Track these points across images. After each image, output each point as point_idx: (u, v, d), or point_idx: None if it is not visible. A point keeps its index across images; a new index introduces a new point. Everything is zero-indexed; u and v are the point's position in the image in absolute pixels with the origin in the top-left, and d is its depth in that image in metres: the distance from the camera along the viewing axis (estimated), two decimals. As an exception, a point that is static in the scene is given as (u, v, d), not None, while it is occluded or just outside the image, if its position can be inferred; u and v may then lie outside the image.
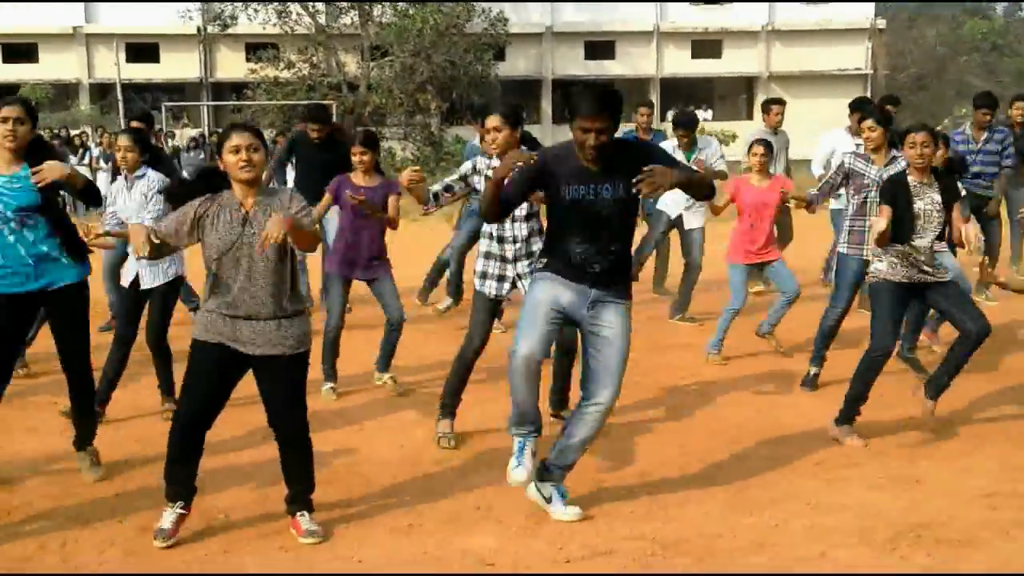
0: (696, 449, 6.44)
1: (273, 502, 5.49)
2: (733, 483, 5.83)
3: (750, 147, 8.84)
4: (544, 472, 5.45)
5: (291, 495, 5.29)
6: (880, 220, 6.44)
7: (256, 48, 36.72)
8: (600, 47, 43.15)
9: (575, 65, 42.76)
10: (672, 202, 10.10)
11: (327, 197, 7.77)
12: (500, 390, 7.87)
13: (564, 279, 5.25)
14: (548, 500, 5.41)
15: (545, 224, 5.53)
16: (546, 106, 42.59)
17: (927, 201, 6.56)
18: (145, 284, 7.01)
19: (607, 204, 5.16)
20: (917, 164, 6.57)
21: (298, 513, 5.23)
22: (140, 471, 6.14)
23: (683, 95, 42.25)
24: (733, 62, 43.02)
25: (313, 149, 10.20)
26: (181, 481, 5.14)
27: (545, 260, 5.36)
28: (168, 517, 5.10)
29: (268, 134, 27.68)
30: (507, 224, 6.47)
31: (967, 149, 10.64)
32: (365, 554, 5.01)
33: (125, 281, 7.15)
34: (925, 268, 6.56)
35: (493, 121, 6.38)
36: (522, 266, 6.52)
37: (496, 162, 6.31)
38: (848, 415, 6.64)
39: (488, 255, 6.58)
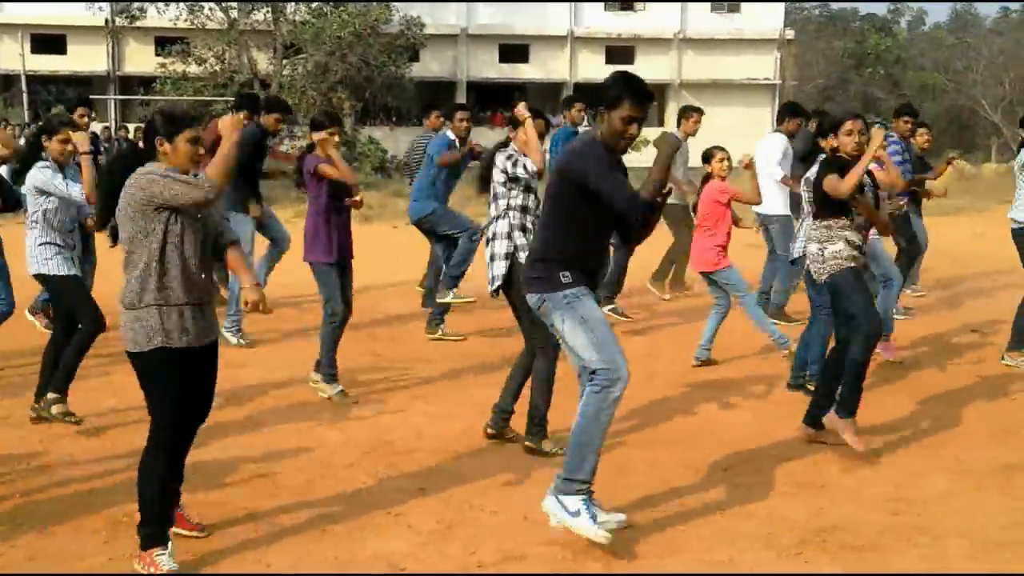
0: (606, 455, 6.41)
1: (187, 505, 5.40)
2: (642, 489, 5.88)
3: (712, 155, 8.86)
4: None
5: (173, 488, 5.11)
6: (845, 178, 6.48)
7: (166, 42, 36.15)
8: (514, 50, 43.29)
9: (489, 68, 42.87)
10: None
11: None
12: (417, 396, 7.89)
13: (588, 288, 5.13)
14: (577, 514, 5.04)
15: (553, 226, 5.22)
16: (460, 108, 42.51)
17: (866, 181, 6.73)
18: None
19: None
20: (853, 153, 6.61)
21: (182, 509, 5.15)
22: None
23: (597, 88, 42.41)
24: (646, 69, 43.32)
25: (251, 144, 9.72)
26: (168, 514, 4.89)
27: (566, 270, 5.09)
28: (168, 561, 4.73)
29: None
30: (528, 216, 6.66)
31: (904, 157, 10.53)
32: (273, 559, 4.96)
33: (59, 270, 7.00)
34: (863, 250, 6.69)
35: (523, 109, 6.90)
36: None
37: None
38: (852, 407, 6.54)
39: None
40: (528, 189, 6.72)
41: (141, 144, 4.88)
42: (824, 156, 7.02)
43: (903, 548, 5.18)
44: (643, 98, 5.01)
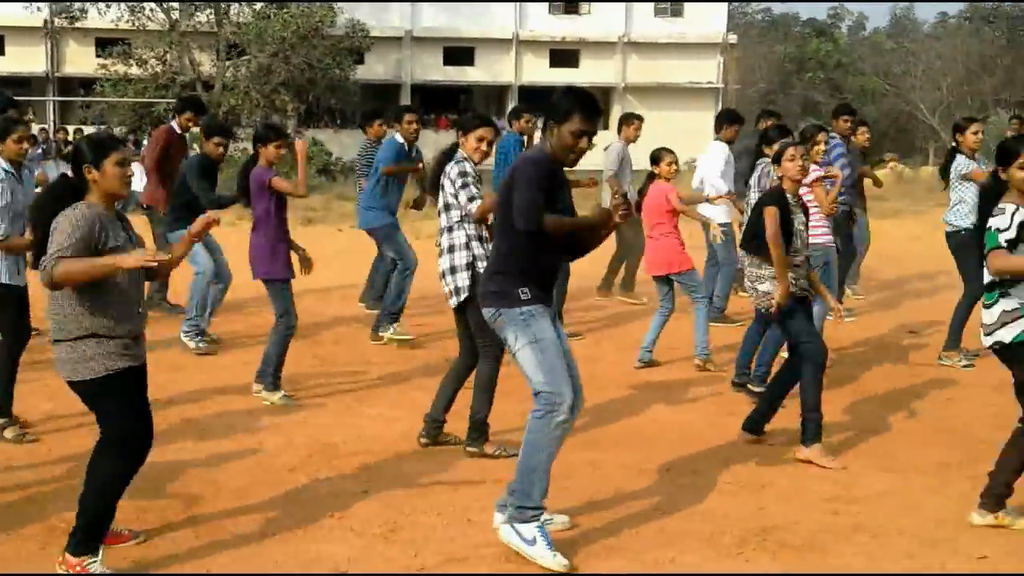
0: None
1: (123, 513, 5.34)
2: (585, 491, 5.90)
3: (661, 157, 8.88)
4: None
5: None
6: (772, 225, 6.58)
7: (107, 43, 35.74)
8: (459, 53, 43.27)
9: (434, 70, 42.82)
10: None
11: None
12: (360, 399, 7.87)
13: (546, 304, 5.13)
14: (532, 543, 4.98)
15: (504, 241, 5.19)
16: (405, 111, 42.45)
17: (797, 222, 6.75)
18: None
19: (569, 200, 5.25)
20: (797, 177, 6.72)
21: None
22: None
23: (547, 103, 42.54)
24: (590, 72, 43.59)
25: (200, 168, 9.36)
26: (107, 526, 4.83)
27: (525, 286, 5.07)
28: (99, 567, 4.70)
29: (118, 132, 27.00)
30: (483, 225, 6.53)
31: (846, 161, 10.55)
32: (213, 564, 4.92)
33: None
34: (802, 287, 6.71)
35: (489, 133, 6.59)
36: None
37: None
38: (817, 430, 6.53)
39: (487, 258, 6.29)
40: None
41: (71, 172, 4.80)
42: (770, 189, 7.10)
43: (842, 546, 5.24)
44: (593, 112, 5.05)
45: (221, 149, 9.28)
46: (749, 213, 7.26)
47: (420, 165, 9.75)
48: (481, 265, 6.31)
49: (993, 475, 5.50)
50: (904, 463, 6.53)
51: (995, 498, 5.47)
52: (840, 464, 6.43)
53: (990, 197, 5.36)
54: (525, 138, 11.20)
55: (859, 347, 9.77)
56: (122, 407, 4.74)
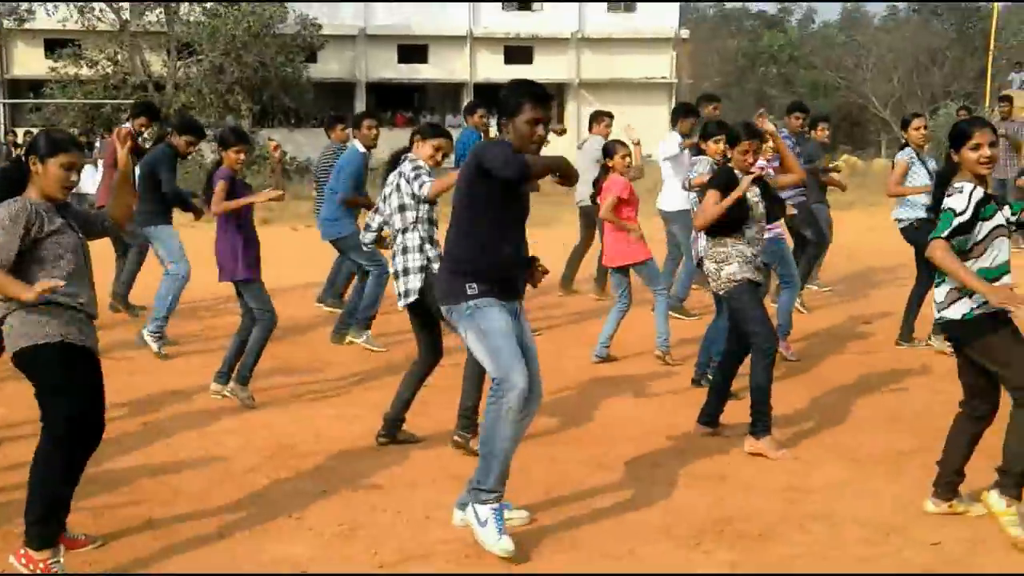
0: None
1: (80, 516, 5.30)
2: (543, 485, 5.92)
3: (615, 150, 8.89)
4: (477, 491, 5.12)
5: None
6: (709, 206, 6.61)
7: (56, 45, 35.35)
8: (414, 51, 43.18)
9: (388, 68, 42.70)
10: None
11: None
12: (318, 399, 7.85)
13: (503, 299, 5.11)
14: (484, 524, 5.00)
15: (455, 230, 5.18)
16: (360, 109, 42.31)
17: (750, 193, 6.73)
18: None
19: (526, 198, 5.26)
20: (745, 169, 6.73)
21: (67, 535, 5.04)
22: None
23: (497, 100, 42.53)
24: (545, 68, 43.61)
25: (167, 161, 9.39)
26: (62, 518, 4.79)
27: (474, 281, 5.06)
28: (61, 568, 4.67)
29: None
30: (434, 228, 6.59)
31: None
32: (172, 566, 4.90)
33: None
34: (758, 264, 6.76)
35: (442, 144, 6.72)
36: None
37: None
38: (765, 423, 6.57)
39: (440, 258, 6.22)
40: (432, 202, 6.64)
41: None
42: (713, 166, 7.16)
43: (799, 535, 5.29)
44: (543, 98, 5.08)
45: (191, 148, 9.45)
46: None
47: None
48: (435, 267, 6.34)
49: (942, 463, 5.58)
50: (859, 452, 6.60)
51: (947, 486, 5.54)
52: (791, 455, 6.47)
53: (943, 181, 5.39)
54: (481, 134, 11.21)
55: (813, 338, 9.86)
56: (66, 382, 4.71)
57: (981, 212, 5.18)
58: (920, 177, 9.14)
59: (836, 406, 7.66)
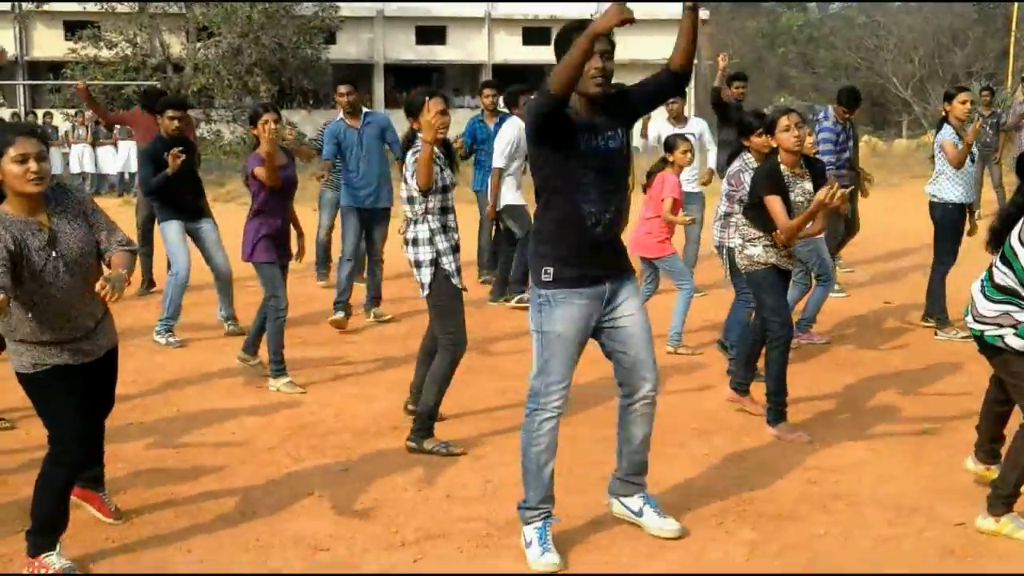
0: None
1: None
2: (563, 465, 5.88)
3: (676, 145, 8.53)
4: (621, 485, 5.10)
5: (95, 475, 5.12)
6: (781, 215, 6.34)
7: (75, 26, 35.41)
8: (431, 32, 43.11)
9: (407, 50, 42.66)
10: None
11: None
12: (339, 378, 7.86)
13: (579, 286, 4.70)
14: (639, 514, 5.02)
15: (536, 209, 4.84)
16: (379, 90, 42.32)
17: (798, 192, 6.53)
18: None
19: (615, 157, 4.73)
20: (794, 148, 6.46)
21: (102, 493, 5.14)
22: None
23: (517, 81, 42.44)
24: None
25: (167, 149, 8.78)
26: (62, 523, 4.68)
27: (550, 263, 4.71)
28: (58, 560, 4.57)
29: (91, 115, 26.76)
30: (449, 216, 6.25)
31: (842, 139, 10.25)
32: (194, 543, 4.92)
33: None
34: (789, 252, 6.64)
35: (438, 104, 6.13)
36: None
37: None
38: (780, 411, 6.55)
39: (454, 250, 6.23)
40: (445, 189, 6.25)
41: None
42: (761, 161, 6.99)
43: (819, 515, 5.27)
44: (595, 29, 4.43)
45: (176, 123, 8.88)
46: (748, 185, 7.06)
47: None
48: (446, 260, 6.15)
49: (979, 429, 5.58)
50: (882, 433, 6.57)
51: (988, 452, 5.56)
52: (807, 438, 6.43)
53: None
54: (486, 113, 11.28)
55: (833, 318, 9.80)
56: (52, 407, 4.56)
57: None
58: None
59: (859, 388, 7.62)
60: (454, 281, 6.19)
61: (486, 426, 6.68)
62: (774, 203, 6.36)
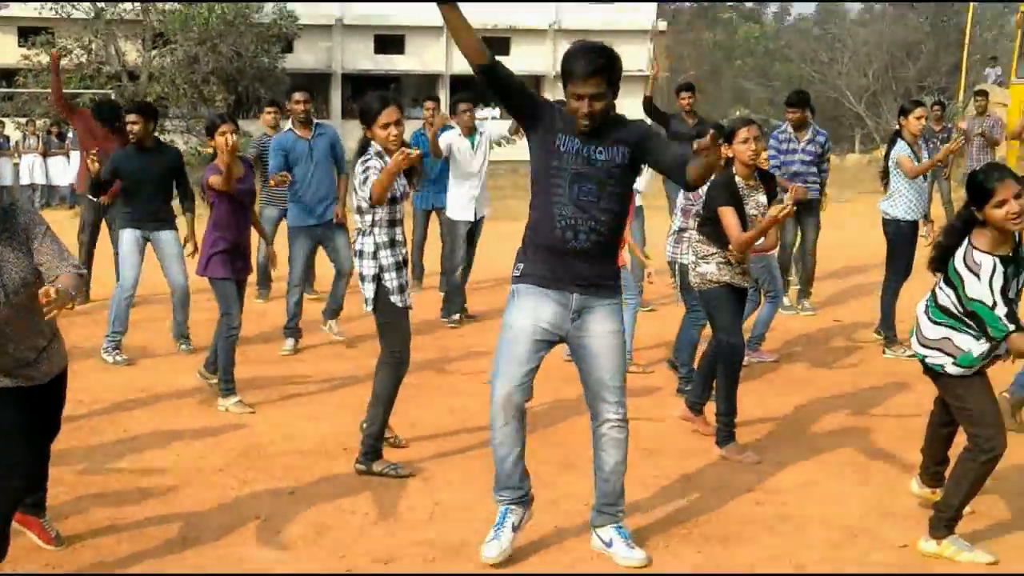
0: (479, 452, 6.45)
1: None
2: (514, 486, 5.90)
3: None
4: (596, 516, 5.10)
5: (37, 500, 5.02)
6: (734, 227, 6.33)
7: (29, 33, 35.02)
8: (390, 41, 43.03)
9: (365, 59, 42.52)
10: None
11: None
12: (288, 398, 7.81)
13: (543, 286, 4.80)
14: (609, 544, 5.01)
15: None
16: (336, 100, 42.17)
17: (752, 205, 6.53)
18: None
19: (601, 168, 4.74)
20: (750, 161, 6.46)
21: (43, 519, 5.06)
22: None
23: (473, 91, 42.50)
24: (522, 60, 43.45)
25: (139, 158, 8.74)
26: (2, 551, 4.58)
27: (522, 259, 4.88)
28: None
29: (42, 124, 26.51)
30: (396, 228, 6.08)
31: (788, 148, 10.49)
32: (137, 569, 4.87)
33: None
34: (744, 269, 6.61)
35: (392, 114, 5.99)
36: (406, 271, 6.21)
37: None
38: (729, 431, 6.56)
39: (399, 266, 6.06)
40: (394, 201, 6.05)
41: None
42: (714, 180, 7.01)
43: (766, 537, 5.31)
44: (588, 72, 4.61)
45: (135, 127, 8.68)
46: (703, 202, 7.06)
47: None
48: (388, 276, 6.01)
49: (924, 452, 5.61)
50: (828, 453, 6.62)
51: (932, 475, 5.58)
52: (756, 458, 6.46)
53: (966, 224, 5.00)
54: (427, 127, 11.37)
55: (782, 336, 9.86)
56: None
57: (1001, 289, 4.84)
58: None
59: (807, 407, 7.67)
60: (393, 299, 6.04)
61: (436, 447, 6.67)
62: (727, 215, 6.36)
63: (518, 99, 4.84)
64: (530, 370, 4.88)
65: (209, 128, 7.43)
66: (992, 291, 4.80)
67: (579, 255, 4.77)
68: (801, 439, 6.93)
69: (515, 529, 5.02)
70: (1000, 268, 4.82)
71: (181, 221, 8.90)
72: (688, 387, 7.74)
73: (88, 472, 6.14)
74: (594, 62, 4.61)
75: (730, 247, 6.43)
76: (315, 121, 9.55)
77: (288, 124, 9.68)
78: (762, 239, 6.41)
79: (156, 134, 9.04)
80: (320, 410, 7.44)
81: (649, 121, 11.42)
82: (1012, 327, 4.80)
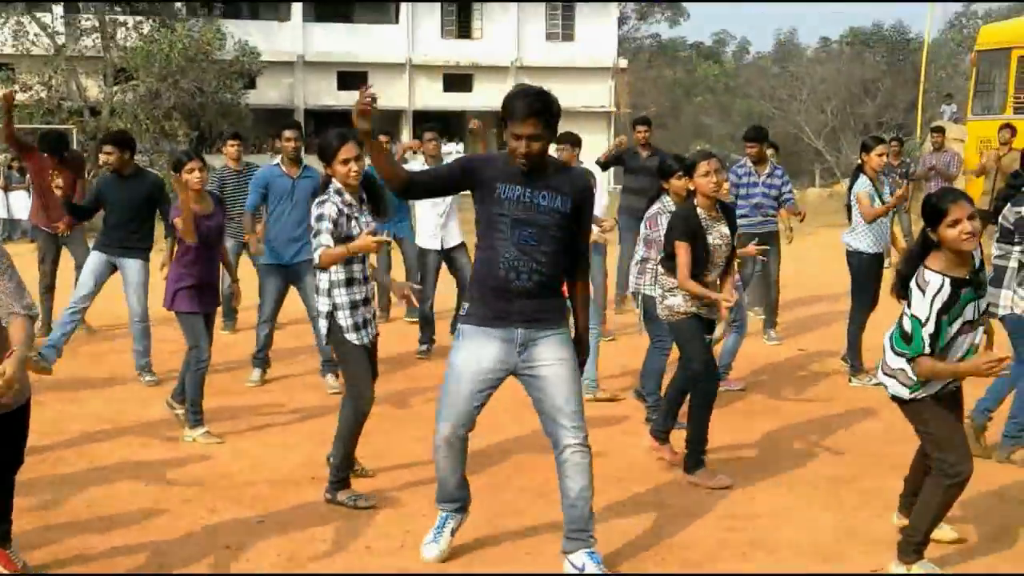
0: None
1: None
2: (485, 512, 5.87)
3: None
4: (567, 543, 5.07)
5: (2, 531, 4.94)
6: (684, 266, 6.42)
7: (-11, 68, 34.83)
8: (353, 77, 43.10)
9: (328, 95, 42.60)
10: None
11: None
12: (256, 427, 7.76)
13: (488, 326, 4.93)
14: (581, 569, 4.98)
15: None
16: (297, 136, 42.15)
17: (716, 235, 6.57)
18: None
19: (544, 213, 4.86)
20: (711, 193, 6.50)
21: (8, 549, 4.97)
22: None
23: (438, 123, 42.59)
24: (484, 96, 43.70)
25: (119, 186, 8.97)
26: None
27: (468, 300, 5.03)
28: None
29: (3, 159, 26.32)
30: (355, 266, 6.02)
31: (749, 181, 10.60)
32: (108, 600, 4.82)
33: None
34: (709, 304, 6.64)
35: (351, 150, 6.03)
36: (371, 306, 6.17)
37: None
38: (699, 459, 6.57)
39: (355, 304, 6.01)
40: (350, 239, 5.92)
41: None
42: (680, 203, 7.07)
43: (739, 562, 5.32)
44: (526, 114, 4.79)
45: (110, 157, 8.89)
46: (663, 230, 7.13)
47: None
48: (341, 314, 5.98)
49: (907, 481, 5.62)
50: (798, 479, 6.65)
51: (910, 505, 5.56)
52: (727, 481, 6.48)
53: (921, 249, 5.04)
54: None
55: (749, 364, 9.91)
56: None
57: (945, 318, 4.87)
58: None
59: (775, 435, 7.71)
60: (348, 336, 6.00)
61: (407, 476, 6.63)
62: (681, 250, 6.45)
63: (446, 187, 5.18)
64: (474, 408, 5.04)
65: (176, 165, 7.29)
66: (931, 309, 4.83)
67: (522, 293, 4.89)
68: (770, 466, 6.95)
69: (452, 533, 5.33)
70: (948, 288, 4.84)
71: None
72: (655, 415, 7.76)
73: (55, 503, 6.06)
74: (532, 105, 4.80)
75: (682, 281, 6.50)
76: (304, 162, 9.17)
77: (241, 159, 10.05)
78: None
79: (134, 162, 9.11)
80: (289, 440, 7.40)
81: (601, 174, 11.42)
82: (927, 351, 4.87)
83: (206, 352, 7.39)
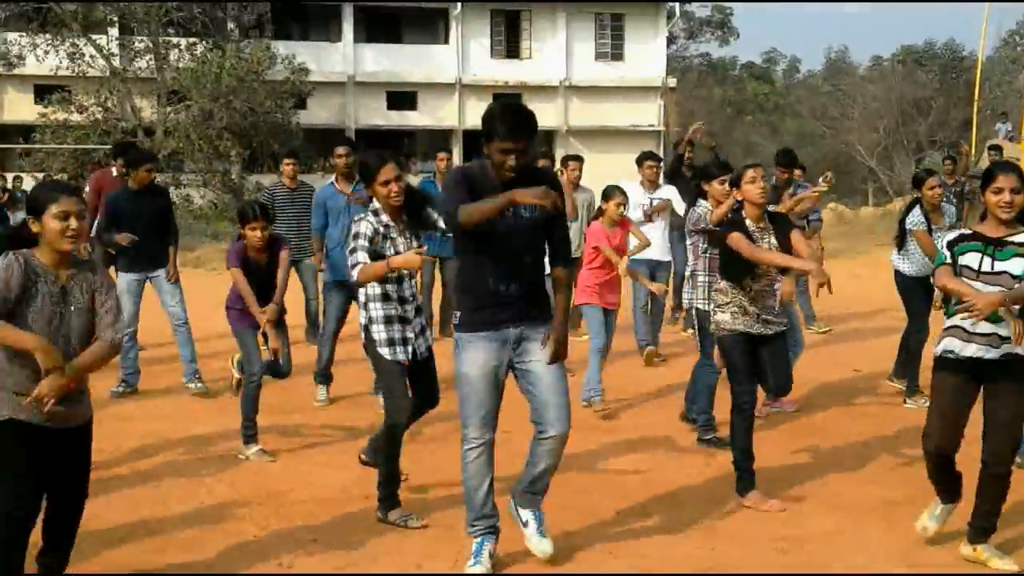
0: (499, 500, 6.39)
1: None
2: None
3: (611, 196, 8.86)
4: (520, 494, 5.45)
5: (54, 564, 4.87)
6: (743, 243, 6.41)
7: (46, 91, 35.38)
8: (402, 97, 43.37)
9: (377, 115, 42.85)
10: None
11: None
12: (309, 446, 7.79)
13: (483, 331, 5.21)
14: (525, 524, 5.42)
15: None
16: (349, 155, 42.43)
17: (765, 246, 6.53)
18: None
19: (525, 221, 5.17)
20: (759, 200, 6.53)
21: None
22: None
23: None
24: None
25: (134, 200, 9.16)
26: None
27: (459, 307, 5.30)
28: None
29: (59, 178, 26.72)
30: (404, 283, 6.14)
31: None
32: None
33: None
34: (764, 318, 6.58)
35: (390, 171, 6.03)
36: (418, 323, 6.23)
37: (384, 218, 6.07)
38: (748, 480, 6.53)
39: (389, 319, 6.09)
40: (381, 258, 5.99)
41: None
42: (717, 207, 7.12)
43: (791, 586, 5.27)
44: (515, 131, 5.06)
45: (149, 174, 9.24)
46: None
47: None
48: (375, 328, 6.06)
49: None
50: (851, 502, 6.58)
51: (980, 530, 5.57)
52: (780, 506, 6.43)
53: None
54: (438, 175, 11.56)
55: (803, 386, 9.82)
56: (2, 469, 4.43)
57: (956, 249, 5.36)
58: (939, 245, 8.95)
59: (826, 454, 7.64)
60: (381, 350, 6.07)
61: (460, 494, 6.61)
62: (735, 238, 6.45)
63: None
64: (492, 407, 5.30)
65: (241, 217, 7.43)
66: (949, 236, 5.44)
67: (512, 299, 5.22)
68: (823, 488, 6.89)
69: (491, 556, 5.35)
70: (970, 236, 5.35)
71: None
72: (708, 436, 7.73)
73: (110, 518, 6.12)
74: (521, 122, 5.11)
75: (760, 262, 6.45)
76: (357, 178, 8.96)
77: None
78: (777, 286, 6.52)
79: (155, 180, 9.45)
80: (341, 458, 7.42)
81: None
82: (947, 260, 5.37)
83: (256, 365, 7.46)
